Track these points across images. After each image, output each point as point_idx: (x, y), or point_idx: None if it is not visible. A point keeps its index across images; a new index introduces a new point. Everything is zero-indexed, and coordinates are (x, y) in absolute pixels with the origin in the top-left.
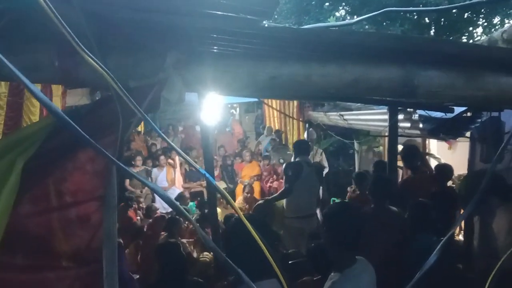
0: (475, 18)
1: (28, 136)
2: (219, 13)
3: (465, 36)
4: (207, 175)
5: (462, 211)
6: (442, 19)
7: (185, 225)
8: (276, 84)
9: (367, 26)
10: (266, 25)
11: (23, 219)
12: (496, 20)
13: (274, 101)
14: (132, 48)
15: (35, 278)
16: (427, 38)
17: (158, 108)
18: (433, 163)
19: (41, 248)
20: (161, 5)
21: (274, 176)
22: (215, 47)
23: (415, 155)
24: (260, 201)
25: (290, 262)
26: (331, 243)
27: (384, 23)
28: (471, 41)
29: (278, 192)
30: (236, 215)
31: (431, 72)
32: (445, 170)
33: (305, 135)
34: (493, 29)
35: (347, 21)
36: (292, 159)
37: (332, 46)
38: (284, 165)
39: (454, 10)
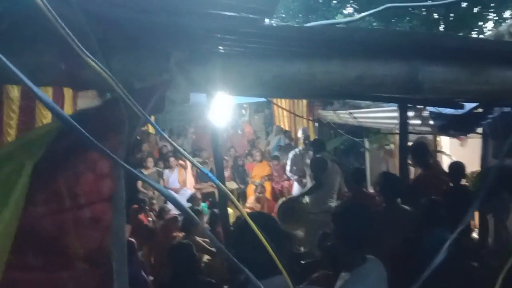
0: (484, 13)
1: (37, 139)
2: (220, 12)
3: (475, 31)
4: (210, 174)
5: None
6: (451, 14)
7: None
8: (280, 83)
9: (375, 24)
10: (268, 24)
11: (34, 221)
12: (507, 14)
13: (283, 100)
14: (136, 49)
15: (47, 278)
16: (431, 33)
17: (163, 108)
18: (444, 161)
19: (52, 249)
20: (164, 5)
21: (285, 176)
22: (218, 47)
23: (425, 153)
24: (283, 199)
25: (302, 262)
26: (340, 242)
27: (393, 20)
28: (481, 35)
29: (308, 188)
30: (256, 212)
31: (436, 67)
32: (458, 168)
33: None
34: (503, 23)
35: (349, 18)
36: (312, 156)
37: (335, 43)
38: (310, 161)
39: (463, 5)
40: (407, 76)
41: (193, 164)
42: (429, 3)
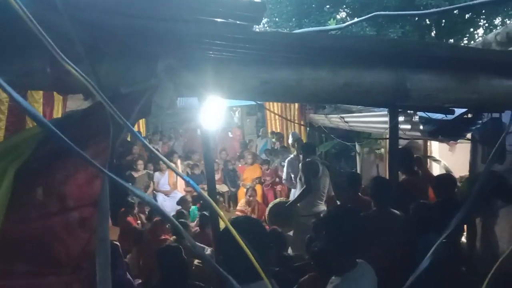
0: (476, 19)
1: (20, 143)
2: (209, 19)
3: (466, 37)
4: (191, 182)
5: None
6: (443, 20)
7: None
8: (267, 88)
9: (367, 29)
10: (257, 30)
11: (16, 226)
12: (497, 21)
13: (275, 104)
14: (124, 54)
15: (31, 284)
16: (419, 42)
17: (149, 113)
18: (434, 166)
19: (35, 254)
20: (152, 12)
21: (277, 180)
22: (207, 52)
23: (410, 159)
24: (276, 201)
25: (295, 264)
26: (330, 247)
27: (385, 25)
28: (472, 42)
29: (298, 194)
30: (242, 217)
31: (424, 76)
32: (447, 181)
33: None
34: (494, 30)
35: (336, 26)
36: (302, 160)
37: (323, 50)
38: (300, 164)
39: (455, 11)
40: (395, 84)
41: (174, 171)
42: (414, 12)
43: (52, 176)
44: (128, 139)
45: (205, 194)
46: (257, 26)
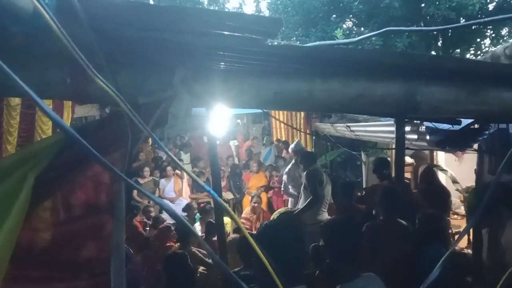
0: (483, 29)
1: (39, 151)
2: (226, 33)
3: (472, 47)
4: (212, 192)
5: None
6: (450, 30)
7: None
8: (280, 99)
9: (374, 39)
10: (270, 43)
11: (34, 232)
12: (504, 31)
13: (281, 112)
14: (141, 66)
15: None
16: (429, 55)
17: (166, 123)
18: (441, 176)
19: (52, 260)
20: (169, 24)
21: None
22: (221, 64)
23: (384, 165)
24: (282, 210)
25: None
26: (330, 257)
27: (392, 35)
28: (478, 51)
29: (306, 203)
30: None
31: (434, 88)
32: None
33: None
34: (501, 40)
35: (349, 40)
36: (302, 169)
37: (335, 63)
38: (305, 174)
39: (462, 20)
40: (406, 96)
41: (192, 178)
42: (424, 28)
43: (69, 184)
44: None
45: (212, 200)
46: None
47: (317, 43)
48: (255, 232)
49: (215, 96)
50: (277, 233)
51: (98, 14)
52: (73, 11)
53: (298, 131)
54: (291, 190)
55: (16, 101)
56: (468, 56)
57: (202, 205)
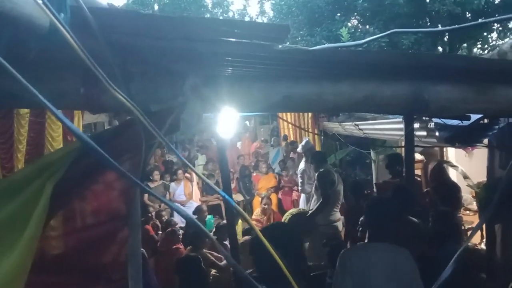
0: (489, 23)
1: (55, 161)
2: (234, 40)
3: (479, 41)
4: (227, 197)
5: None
6: (456, 25)
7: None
8: (289, 103)
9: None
10: (279, 47)
11: (52, 240)
12: (511, 24)
13: (288, 113)
14: (153, 74)
15: None
16: (436, 54)
17: (178, 130)
18: (451, 172)
19: (69, 267)
20: (180, 33)
21: (294, 188)
22: (230, 69)
23: (397, 162)
24: (294, 211)
25: (312, 274)
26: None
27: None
28: (486, 46)
29: (317, 206)
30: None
31: (442, 87)
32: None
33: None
34: (508, 33)
35: (356, 42)
36: (313, 169)
37: (343, 65)
38: (316, 175)
39: (468, 15)
40: (414, 96)
41: (204, 181)
42: (431, 29)
43: (85, 192)
44: None
45: (222, 203)
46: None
47: (325, 46)
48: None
49: (225, 101)
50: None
51: (111, 25)
52: (87, 24)
53: (306, 131)
54: (308, 188)
55: (25, 109)
56: (475, 50)
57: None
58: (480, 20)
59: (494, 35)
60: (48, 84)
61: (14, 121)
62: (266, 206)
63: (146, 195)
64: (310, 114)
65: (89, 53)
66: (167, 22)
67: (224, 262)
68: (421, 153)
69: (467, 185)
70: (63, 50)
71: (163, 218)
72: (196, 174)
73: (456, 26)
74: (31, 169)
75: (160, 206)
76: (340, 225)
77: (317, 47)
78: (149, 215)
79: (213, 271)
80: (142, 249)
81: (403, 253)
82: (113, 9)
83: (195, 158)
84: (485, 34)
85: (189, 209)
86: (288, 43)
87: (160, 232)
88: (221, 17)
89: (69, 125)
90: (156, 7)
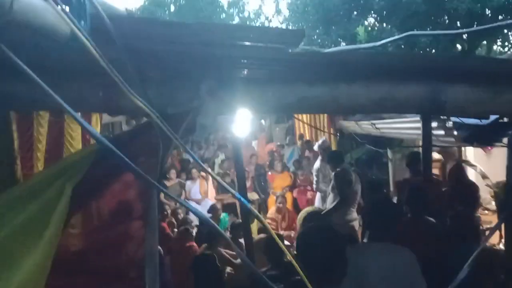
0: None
1: (74, 163)
2: (249, 43)
3: (499, 38)
4: (243, 200)
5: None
6: (475, 23)
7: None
8: (304, 105)
9: (396, 34)
10: (293, 50)
11: (71, 239)
12: None
13: None
14: (170, 78)
15: None
16: (452, 55)
17: (194, 132)
18: (470, 172)
19: (88, 265)
20: (196, 38)
21: (309, 187)
22: (245, 73)
23: (419, 160)
24: (309, 209)
25: None
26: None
27: (415, 29)
28: (506, 43)
29: (333, 205)
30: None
31: (458, 88)
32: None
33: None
34: None
35: (372, 44)
36: (330, 168)
37: (358, 67)
38: (333, 175)
39: (487, 13)
40: (430, 97)
41: (219, 183)
42: (447, 31)
43: (103, 193)
44: None
45: (237, 202)
46: None
47: (340, 47)
48: (282, 233)
49: (240, 103)
50: (312, 242)
51: (130, 32)
52: (106, 31)
53: (321, 131)
54: (323, 187)
55: None
56: (494, 48)
57: None
58: (500, 18)
59: None
60: (68, 90)
61: (34, 121)
62: (281, 205)
63: (162, 194)
64: None
65: (108, 59)
66: (184, 28)
67: (239, 260)
68: (439, 152)
69: (486, 185)
70: (83, 57)
71: (179, 216)
72: (211, 175)
73: (474, 28)
74: (52, 171)
75: (176, 204)
76: (356, 224)
77: (332, 49)
78: (165, 213)
79: (228, 269)
80: (159, 248)
81: (404, 254)
82: (131, 16)
83: (215, 157)
84: (505, 31)
85: (205, 207)
86: (303, 43)
87: (176, 230)
88: (236, 17)
89: (89, 129)
90: (172, 8)
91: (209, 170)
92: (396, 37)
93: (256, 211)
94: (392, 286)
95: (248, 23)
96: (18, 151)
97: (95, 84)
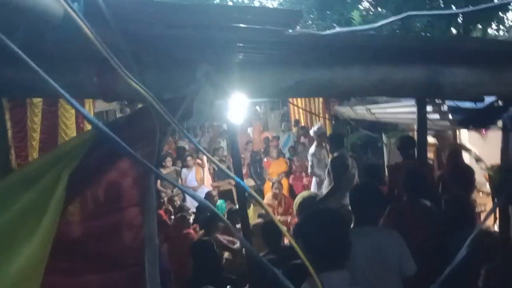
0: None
1: (70, 150)
2: (246, 26)
3: (494, 22)
4: (242, 183)
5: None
6: (470, 6)
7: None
8: (300, 88)
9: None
10: (290, 32)
11: (68, 227)
12: None
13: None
14: (166, 63)
15: (79, 281)
16: (450, 37)
17: (190, 117)
18: (464, 155)
19: (86, 253)
20: (192, 21)
21: (304, 173)
22: (241, 55)
23: (410, 144)
24: (305, 194)
25: None
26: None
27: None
28: (501, 26)
29: (328, 191)
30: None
31: (456, 70)
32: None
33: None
34: None
35: (369, 26)
36: (329, 150)
37: (355, 50)
38: (329, 160)
39: None
40: (428, 80)
41: (218, 167)
42: (447, 11)
43: (100, 179)
44: None
45: (234, 188)
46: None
47: (337, 30)
48: (279, 218)
49: (236, 87)
50: (317, 226)
51: (124, 14)
52: (101, 13)
53: (317, 116)
54: (318, 172)
55: (37, 98)
56: (490, 31)
57: None
58: (496, 1)
59: (510, 15)
60: (63, 74)
61: (28, 110)
62: (277, 191)
63: (158, 181)
64: (321, 99)
65: (104, 43)
66: (179, 9)
67: (237, 245)
68: (434, 136)
69: (480, 168)
70: (77, 40)
71: (176, 203)
72: (211, 160)
73: (473, 8)
74: (47, 159)
75: (172, 192)
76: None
77: (329, 31)
78: (162, 200)
79: (225, 255)
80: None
81: (389, 234)
82: None
83: (217, 144)
84: (500, 14)
85: (201, 194)
86: (298, 27)
87: (173, 217)
88: (230, 2)
89: (85, 114)
90: None
91: (209, 155)
92: (394, 17)
93: (256, 195)
94: (378, 266)
95: None
96: (12, 140)
97: (90, 70)
